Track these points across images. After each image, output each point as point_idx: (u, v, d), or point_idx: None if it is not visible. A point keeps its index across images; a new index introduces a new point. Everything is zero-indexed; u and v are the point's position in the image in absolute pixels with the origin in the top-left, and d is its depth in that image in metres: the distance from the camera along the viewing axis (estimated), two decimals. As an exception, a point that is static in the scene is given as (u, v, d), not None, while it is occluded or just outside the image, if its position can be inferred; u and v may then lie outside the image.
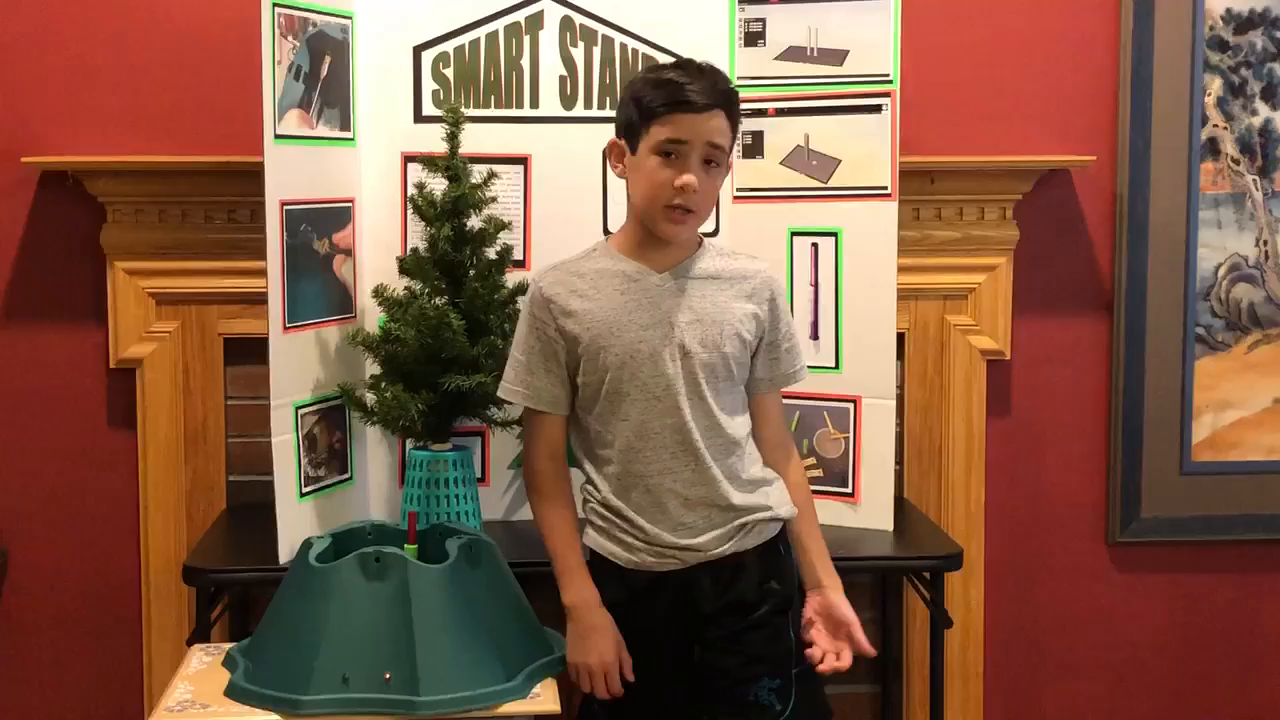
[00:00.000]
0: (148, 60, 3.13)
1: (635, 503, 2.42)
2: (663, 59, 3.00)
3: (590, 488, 2.49)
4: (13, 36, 3.12)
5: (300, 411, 2.81)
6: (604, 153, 2.49)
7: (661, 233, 2.40)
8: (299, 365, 2.81)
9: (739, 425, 2.46)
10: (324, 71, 2.84)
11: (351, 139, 2.94)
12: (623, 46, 3.02)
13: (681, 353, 2.40)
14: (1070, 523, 3.43)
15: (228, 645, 2.41)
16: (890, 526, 2.99)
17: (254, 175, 2.73)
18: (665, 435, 2.40)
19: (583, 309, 2.43)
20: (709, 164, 2.36)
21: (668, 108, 2.33)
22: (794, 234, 2.98)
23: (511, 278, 2.86)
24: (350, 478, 2.97)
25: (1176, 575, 3.47)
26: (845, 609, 2.49)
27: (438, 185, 2.81)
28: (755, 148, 3.00)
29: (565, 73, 3.01)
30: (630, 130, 2.40)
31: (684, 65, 2.42)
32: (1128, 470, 3.40)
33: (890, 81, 2.92)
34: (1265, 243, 3.37)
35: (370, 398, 2.85)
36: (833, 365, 3.01)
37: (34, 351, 3.19)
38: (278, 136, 2.71)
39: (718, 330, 2.41)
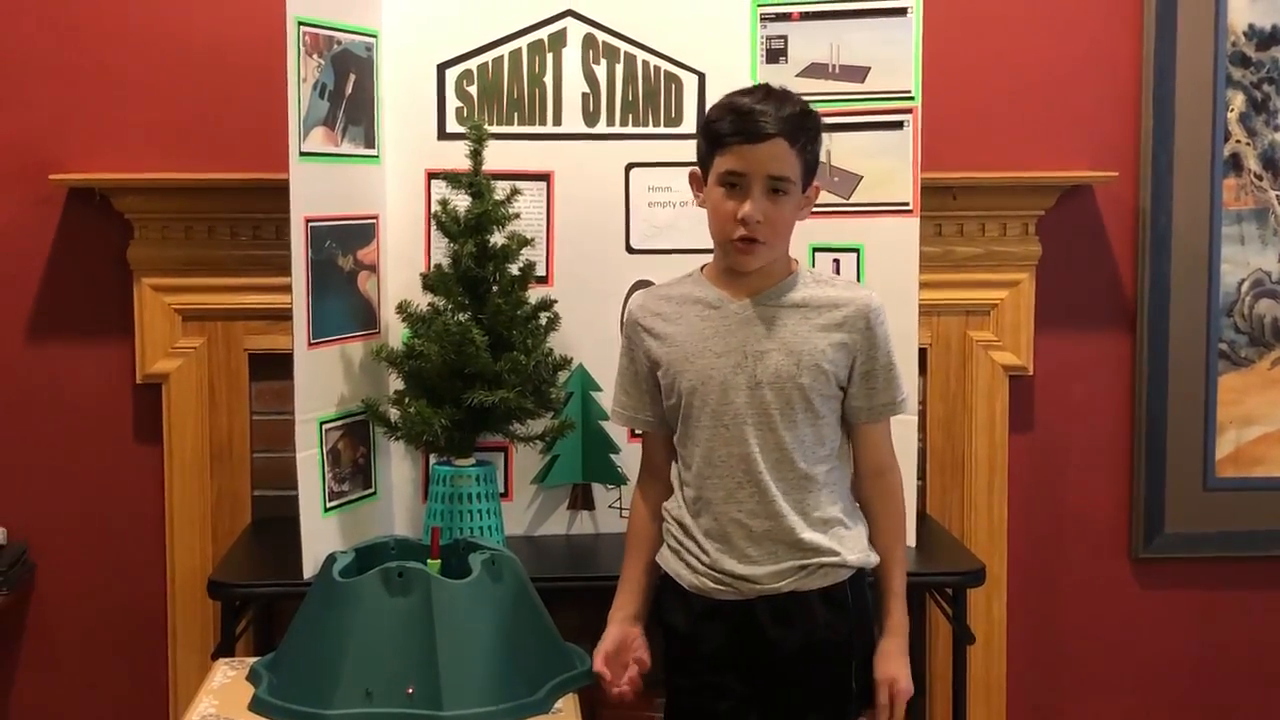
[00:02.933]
0: (174, 78, 3.15)
1: (704, 526, 2.40)
2: (684, 76, 3.03)
3: (670, 505, 2.48)
4: (40, 55, 3.15)
5: (325, 426, 2.83)
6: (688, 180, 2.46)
7: (732, 263, 2.38)
8: (323, 380, 2.83)
9: (816, 460, 2.38)
10: (349, 89, 2.86)
11: (376, 156, 2.96)
12: (645, 64, 3.03)
13: (752, 382, 2.35)
14: (1093, 538, 3.43)
15: (252, 659, 2.42)
16: (913, 542, 2.98)
17: (279, 192, 2.74)
18: (731, 464, 2.37)
19: (665, 333, 2.43)
20: (776, 192, 2.31)
21: (727, 138, 2.30)
22: (816, 250, 2.98)
23: (534, 294, 2.88)
24: (374, 493, 2.98)
25: (1199, 591, 3.46)
26: (883, 667, 2.40)
27: (461, 202, 2.83)
28: (777, 164, 3.01)
29: (588, 90, 3.03)
30: (702, 161, 2.38)
31: (751, 92, 2.37)
32: (1151, 486, 3.39)
33: (912, 98, 2.93)
34: (1288, 258, 3.37)
35: (394, 413, 2.87)
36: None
37: (61, 367, 3.22)
38: (303, 154, 2.73)
39: (794, 360, 2.34)
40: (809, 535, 2.36)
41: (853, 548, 2.40)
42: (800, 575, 2.36)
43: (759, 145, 2.29)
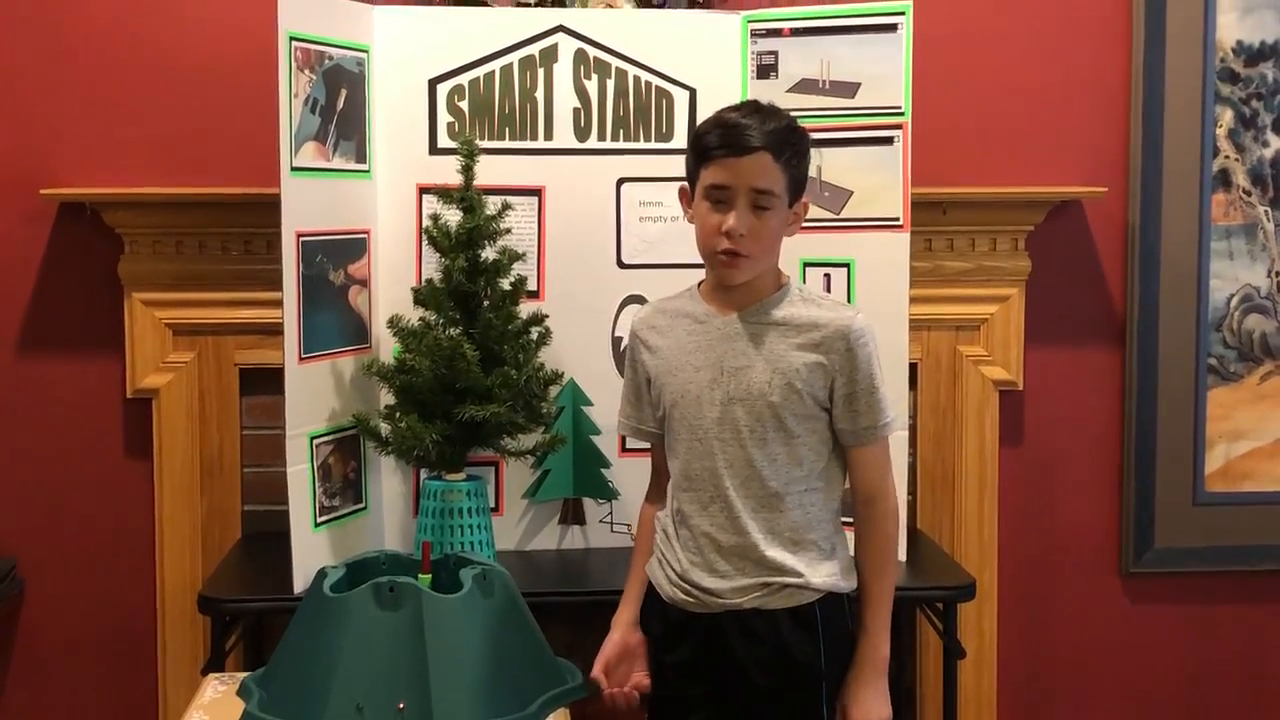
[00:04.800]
0: (165, 93, 3.16)
1: (682, 538, 2.41)
2: (675, 91, 3.03)
3: (661, 515, 2.49)
4: (32, 69, 3.15)
5: (315, 441, 2.83)
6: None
7: (717, 277, 2.38)
8: (314, 395, 2.83)
9: (789, 480, 2.36)
10: (340, 104, 2.86)
11: (367, 171, 2.96)
12: (636, 79, 3.04)
13: (725, 398, 2.36)
14: (1083, 553, 3.43)
15: (242, 674, 2.41)
16: (903, 557, 2.98)
17: (270, 207, 2.75)
18: (703, 478, 2.38)
19: (657, 346, 2.45)
20: (761, 207, 2.31)
21: (713, 151, 2.31)
22: (806, 265, 2.99)
23: (525, 308, 2.88)
24: (365, 507, 2.98)
25: (1190, 606, 3.46)
26: (853, 712, 2.38)
27: (452, 217, 2.83)
28: (768, 179, 3.01)
29: (579, 105, 3.03)
30: (690, 175, 2.39)
31: (739, 107, 2.38)
32: (1140, 500, 3.40)
33: (902, 113, 2.94)
34: (1277, 274, 3.37)
35: (385, 428, 2.87)
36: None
37: (51, 381, 3.21)
38: (294, 169, 2.73)
39: (766, 378, 2.34)
40: (773, 554, 2.35)
41: (821, 571, 2.37)
42: (764, 593, 2.36)
43: (743, 158, 2.29)
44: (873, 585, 2.42)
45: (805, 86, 2.99)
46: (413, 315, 2.86)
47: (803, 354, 2.35)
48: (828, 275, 3.00)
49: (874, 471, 2.43)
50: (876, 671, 2.40)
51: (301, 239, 2.75)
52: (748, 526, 2.35)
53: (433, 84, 3.01)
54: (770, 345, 2.37)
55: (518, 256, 2.85)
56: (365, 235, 2.96)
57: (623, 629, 2.49)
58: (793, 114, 2.39)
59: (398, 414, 2.83)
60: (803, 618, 2.37)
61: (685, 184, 2.42)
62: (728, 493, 2.36)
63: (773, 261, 2.40)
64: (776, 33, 3.00)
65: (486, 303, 2.82)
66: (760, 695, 2.38)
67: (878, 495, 2.44)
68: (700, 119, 2.92)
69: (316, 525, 2.83)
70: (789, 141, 2.33)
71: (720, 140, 2.31)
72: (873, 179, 2.96)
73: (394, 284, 2.98)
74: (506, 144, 3.02)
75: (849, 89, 2.97)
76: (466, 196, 2.81)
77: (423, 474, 2.93)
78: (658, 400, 2.44)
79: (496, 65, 3.01)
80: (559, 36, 3.02)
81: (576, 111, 3.03)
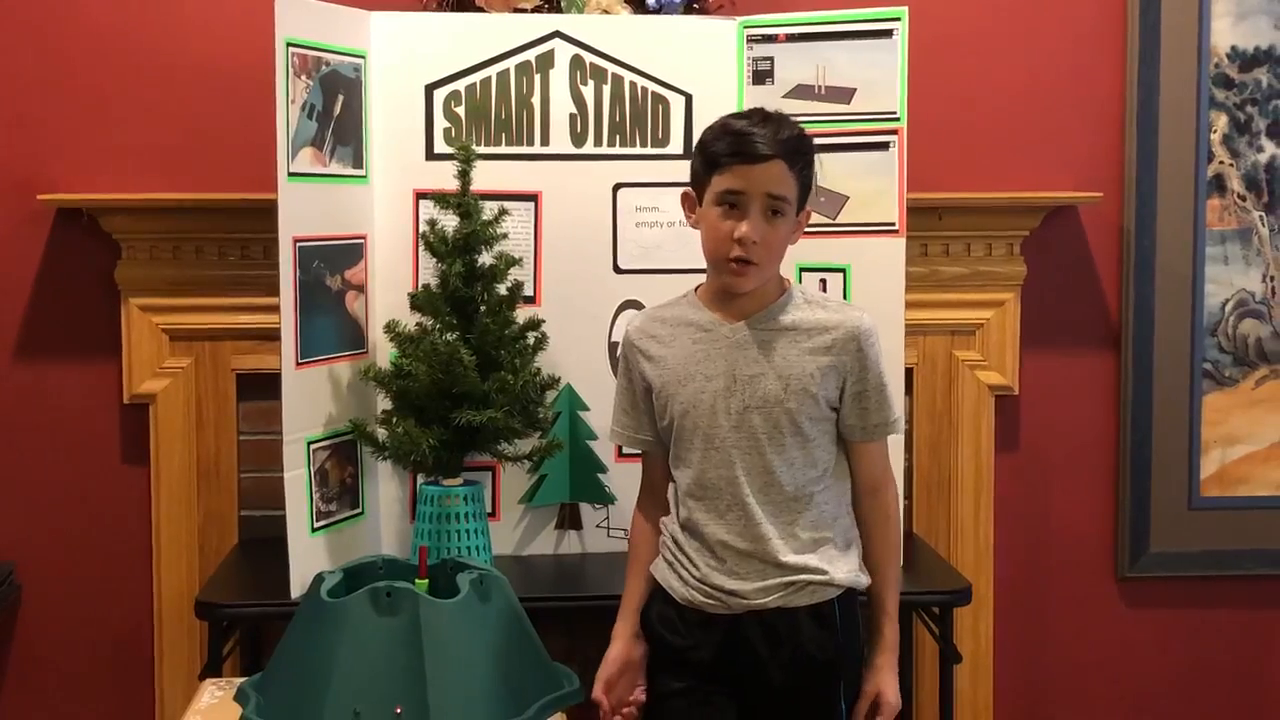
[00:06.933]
0: (163, 98, 3.16)
1: (695, 544, 2.41)
2: (671, 97, 3.04)
3: (666, 521, 2.49)
4: (29, 75, 3.15)
5: (312, 446, 2.83)
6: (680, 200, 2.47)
7: (725, 285, 2.38)
8: (311, 400, 2.83)
9: (806, 482, 2.38)
10: (337, 110, 2.86)
11: (364, 176, 2.97)
12: (632, 84, 3.04)
13: (741, 406, 2.36)
14: (1079, 557, 3.44)
15: (239, 680, 2.41)
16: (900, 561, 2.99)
17: (267, 212, 2.75)
18: (720, 486, 2.38)
19: (659, 355, 2.44)
20: (773, 214, 2.32)
21: (727, 158, 2.31)
22: (802, 270, 2.99)
23: (522, 314, 2.88)
24: (362, 512, 2.98)
25: (1185, 610, 3.47)
26: (871, 681, 2.41)
27: (449, 222, 2.83)
28: (764, 185, 3.02)
29: (575, 111, 3.03)
30: (697, 181, 2.39)
31: (750, 114, 2.38)
32: (1136, 505, 3.40)
33: (898, 119, 2.94)
34: (1272, 279, 3.38)
35: (382, 433, 2.87)
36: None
37: (48, 387, 3.21)
38: (291, 174, 2.74)
39: (782, 385, 2.35)
40: (792, 558, 2.36)
41: (842, 567, 2.40)
42: (787, 592, 2.37)
43: (756, 166, 2.30)
44: (889, 571, 2.47)
45: (801, 92, 2.99)
46: (409, 320, 2.86)
47: (815, 358, 2.37)
48: (824, 280, 3.00)
49: (879, 464, 2.48)
50: (895, 655, 2.45)
51: (298, 244, 2.76)
52: (766, 533, 2.36)
53: (429, 89, 3.01)
54: (782, 352, 2.37)
55: (514, 261, 2.86)
56: (362, 240, 2.96)
57: (625, 640, 2.48)
58: (796, 121, 2.40)
59: (394, 419, 2.84)
60: (823, 614, 2.39)
61: (690, 190, 2.42)
62: (746, 500, 2.36)
63: (777, 268, 2.41)
64: (772, 38, 3.01)
65: (483, 308, 2.83)
66: (779, 694, 2.39)
67: (883, 486, 2.49)
68: (696, 124, 2.94)
69: (314, 530, 2.83)
70: (799, 150, 2.35)
71: (734, 148, 2.31)
72: (868, 184, 2.97)
73: (391, 289, 2.98)
74: (503, 149, 3.02)
75: (845, 94, 2.97)
76: (463, 202, 2.82)
77: (419, 479, 2.94)
78: (663, 410, 2.43)
79: (493, 71, 3.02)
80: (555, 42, 3.02)
81: (573, 117, 3.04)
